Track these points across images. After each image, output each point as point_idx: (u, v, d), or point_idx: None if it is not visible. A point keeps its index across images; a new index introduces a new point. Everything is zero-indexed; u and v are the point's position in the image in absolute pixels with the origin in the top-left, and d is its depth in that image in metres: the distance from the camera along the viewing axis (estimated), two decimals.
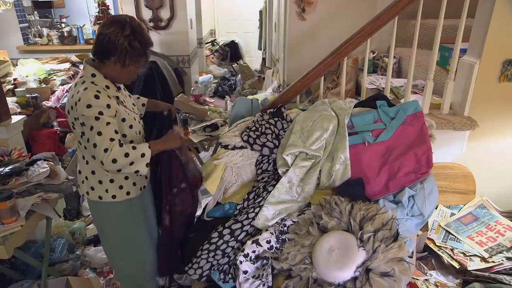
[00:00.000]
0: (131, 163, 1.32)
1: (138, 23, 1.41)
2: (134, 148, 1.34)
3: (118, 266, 1.67)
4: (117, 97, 1.42)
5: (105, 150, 1.29)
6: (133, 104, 1.58)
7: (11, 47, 4.06)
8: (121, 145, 1.32)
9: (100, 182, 1.46)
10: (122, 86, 1.54)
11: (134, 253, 1.60)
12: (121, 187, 1.48)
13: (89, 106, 1.30)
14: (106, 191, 1.47)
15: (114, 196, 1.48)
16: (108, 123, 1.32)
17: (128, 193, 1.50)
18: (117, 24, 1.36)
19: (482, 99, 2.01)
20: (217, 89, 5.60)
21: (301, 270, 1.24)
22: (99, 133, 1.30)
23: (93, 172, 1.46)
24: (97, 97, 1.32)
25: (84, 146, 1.41)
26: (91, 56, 1.45)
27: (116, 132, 1.34)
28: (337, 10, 3.34)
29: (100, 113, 1.31)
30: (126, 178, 1.49)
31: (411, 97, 2.08)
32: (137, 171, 1.35)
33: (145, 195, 1.61)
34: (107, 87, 1.40)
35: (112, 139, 1.31)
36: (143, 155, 1.35)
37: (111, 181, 1.46)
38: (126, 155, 1.31)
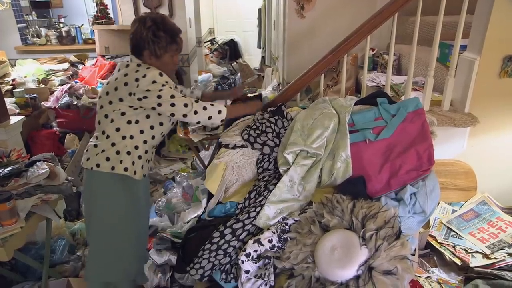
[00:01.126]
0: (210, 117, 1.56)
1: (159, 15, 1.55)
2: (212, 105, 1.57)
3: (94, 256, 1.67)
4: None
5: (185, 105, 1.50)
6: None
7: (9, 47, 4.05)
8: (196, 101, 1.54)
9: (118, 152, 1.55)
10: None
11: (115, 244, 1.62)
12: (133, 163, 1.58)
13: (154, 81, 1.47)
14: (121, 162, 1.56)
15: (126, 169, 1.57)
16: (171, 88, 1.51)
17: (135, 173, 1.59)
18: (139, 21, 1.52)
19: (482, 95, 2.01)
20: (217, 88, 5.60)
21: (303, 269, 1.23)
22: (172, 96, 1.49)
23: (112, 144, 1.55)
24: (161, 74, 1.50)
25: (111, 119, 1.54)
26: None
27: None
28: (336, 7, 3.34)
29: (163, 85, 1.49)
30: (140, 157, 1.60)
31: (411, 94, 2.07)
32: (212, 124, 1.60)
33: (142, 184, 1.69)
34: None
35: (185, 97, 1.52)
36: (219, 112, 1.58)
37: (128, 153, 1.57)
38: (205, 108, 1.54)
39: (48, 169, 1.87)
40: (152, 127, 1.59)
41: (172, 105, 1.49)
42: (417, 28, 1.94)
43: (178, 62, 1.67)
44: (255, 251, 1.35)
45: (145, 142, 1.60)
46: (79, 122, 3.20)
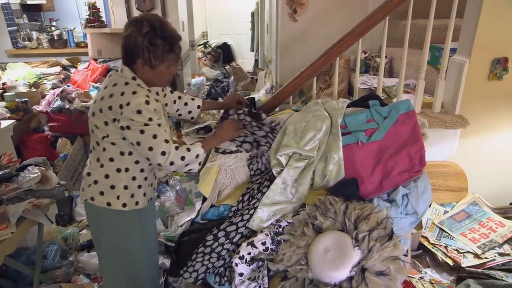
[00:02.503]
0: (187, 165, 1.39)
1: (158, 19, 1.33)
2: (188, 150, 1.38)
3: (109, 278, 1.61)
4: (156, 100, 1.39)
5: (163, 153, 1.32)
6: (166, 104, 1.61)
7: (0, 51, 4.01)
8: (176, 148, 1.35)
9: (113, 187, 1.41)
10: None
11: (127, 266, 1.55)
12: (132, 196, 1.44)
13: (139, 112, 1.28)
14: (118, 197, 1.42)
15: (124, 205, 1.43)
16: (159, 125, 1.33)
17: (137, 203, 1.46)
18: (135, 23, 1.31)
19: (472, 97, 2.04)
20: (210, 91, 5.58)
21: (297, 271, 1.24)
22: (154, 136, 1.31)
23: (106, 176, 1.40)
24: (147, 102, 1.29)
25: (103, 147, 1.38)
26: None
27: (166, 131, 1.36)
28: (328, 10, 3.36)
29: (150, 119, 1.30)
30: (139, 187, 1.46)
31: (403, 96, 2.09)
32: (190, 170, 1.41)
33: (149, 207, 1.57)
34: (149, 91, 1.37)
35: (167, 141, 1.33)
36: (197, 156, 1.40)
37: (125, 187, 1.42)
38: (182, 158, 1.36)
39: (39, 173, 1.85)
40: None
41: (150, 149, 1.30)
42: (408, 31, 1.97)
43: (175, 73, 1.47)
44: (249, 253, 1.35)
45: (142, 170, 1.44)
46: (71, 126, 3.17)
